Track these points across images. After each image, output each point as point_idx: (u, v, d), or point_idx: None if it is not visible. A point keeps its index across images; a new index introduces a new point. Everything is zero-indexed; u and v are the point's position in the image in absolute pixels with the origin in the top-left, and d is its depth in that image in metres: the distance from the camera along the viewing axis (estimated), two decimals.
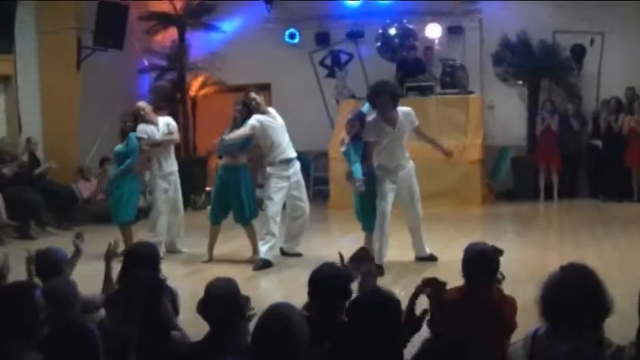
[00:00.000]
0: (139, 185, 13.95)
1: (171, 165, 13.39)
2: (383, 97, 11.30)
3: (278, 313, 4.38)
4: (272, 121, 12.30)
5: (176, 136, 13.63)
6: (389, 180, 11.48)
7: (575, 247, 12.63)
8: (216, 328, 4.94)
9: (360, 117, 11.55)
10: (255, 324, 4.44)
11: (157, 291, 5.38)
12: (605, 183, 18.24)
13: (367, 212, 11.63)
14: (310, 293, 5.11)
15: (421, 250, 12.09)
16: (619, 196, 17.90)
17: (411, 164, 11.72)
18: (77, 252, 7.29)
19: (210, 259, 12.61)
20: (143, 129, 13.05)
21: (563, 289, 4.43)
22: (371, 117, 11.48)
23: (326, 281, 5.10)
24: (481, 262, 5.73)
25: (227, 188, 12.47)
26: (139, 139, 12.99)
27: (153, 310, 5.14)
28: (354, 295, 5.03)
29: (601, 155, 18.31)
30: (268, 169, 12.40)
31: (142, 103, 13.59)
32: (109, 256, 7.01)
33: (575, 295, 4.38)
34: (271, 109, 12.52)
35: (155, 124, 13.24)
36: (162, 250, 12.24)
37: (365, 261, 5.64)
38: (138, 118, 13.23)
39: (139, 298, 5.17)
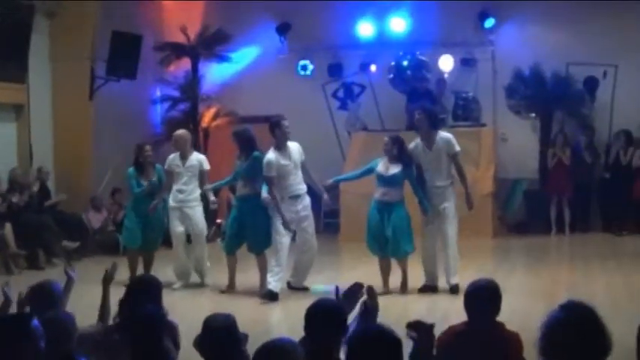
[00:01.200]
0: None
1: None
2: (421, 119, 12.15)
3: (276, 348, 4.32)
4: (285, 159, 12.23)
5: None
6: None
7: (585, 281, 12.56)
8: None
9: (396, 139, 12.24)
10: (253, 357, 4.38)
11: (158, 326, 5.34)
12: (615, 216, 18.12)
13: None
14: (306, 328, 5.05)
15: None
16: (630, 229, 17.76)
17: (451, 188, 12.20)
18: (70, 281, 7.23)
19: (231, 288, 12.78)
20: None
21: (562, 329, 4.36)
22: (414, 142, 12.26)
23: (321, 316, 5.02)
24: (483, 298, 5.69)
25: (243, 218, 12.53)
26: None
27: (152, 346, 5.09)
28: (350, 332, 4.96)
29: (610, 187, 18.21)
30: None
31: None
32: (107, 280, 6.99)
33: (574, 335, 4.31)
34: (291, 144, 12.43)
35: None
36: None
37: (359, 296, 5.56)
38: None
39: (138, 333, 5.12)
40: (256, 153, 12.45)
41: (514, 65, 19.27)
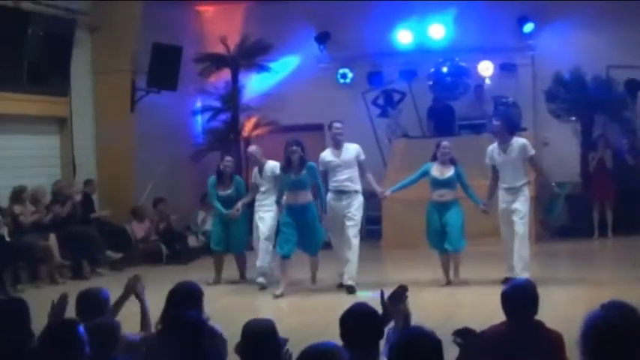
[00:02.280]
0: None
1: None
2: (498, 125, 13.38)
3: (319, 352, 4.32)
4: (334, 157, 13.51)
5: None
6: (502, 200, 13.18)
7: (630, 285, 12.44)
8: None
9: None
10: None
11: (200, 332, 5.38)
12: None
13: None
14: (342, 334, 5.07)
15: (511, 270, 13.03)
16: None
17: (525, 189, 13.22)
18: (126, 293, 7.22)
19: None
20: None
21: (602, 328, 4.35)
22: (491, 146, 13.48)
23: (356, 321, 5.05)
24: (520, 297, 5.74)
25: (296, 223, 13.13)
26: None
27: (192, 352, 5.14)
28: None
29: None
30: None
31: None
32: (128, 291, 7.04)
33: (615, 334, 4.31)
34: (350, 145, 13.66)
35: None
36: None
37: (404, 298, 5.59)
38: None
39: (178, 339, 5.15)
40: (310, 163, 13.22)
41: (554, 69, 19.20)
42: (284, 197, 13.32)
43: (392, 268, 15.73)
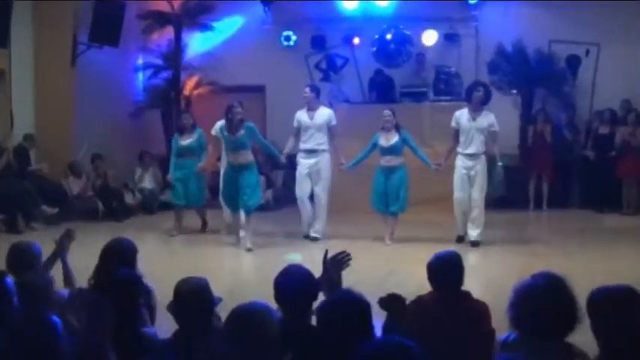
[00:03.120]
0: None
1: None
2: (474, 92, 14.00)
3: (248, 312, 4.30)
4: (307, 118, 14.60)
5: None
6: (461, 166, 13.86)
7: (564, 256, 12.62)
8: (184, 326, 4.91)
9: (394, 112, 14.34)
10: (225, 322, 4.39)
11: (130, 288, 5.37)
12: (596, 193, 18.21)
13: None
14: (275, 296, 5.08)
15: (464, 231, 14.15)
16: (610, 207, 17.86)
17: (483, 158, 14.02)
18: (59, 249, 7.15)
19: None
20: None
21: (531, 296, 4.41)
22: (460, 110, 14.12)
23: (289, 283, 5.07)
24: (445, 269, 5.84)
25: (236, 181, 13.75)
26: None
27: (125, 308, 5.13)
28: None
29: (592, 166, 18.29)
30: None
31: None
32: (60, 249, 6.98)
33: (543, 304, 4.36)
34: (323, 109, 14.85)
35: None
36: None
37: (344, 266, 5.59)
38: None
39: (110, 295, 5.13)
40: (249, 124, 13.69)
41: (497, 41, 19.26)
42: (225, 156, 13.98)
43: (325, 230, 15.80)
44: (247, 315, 4.25)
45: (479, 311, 5.74)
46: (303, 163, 14.52)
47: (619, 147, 17.85)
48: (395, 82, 19.53)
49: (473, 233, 13.94)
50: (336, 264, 5.54)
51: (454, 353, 5.21)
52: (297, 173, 14.64)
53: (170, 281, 5.25)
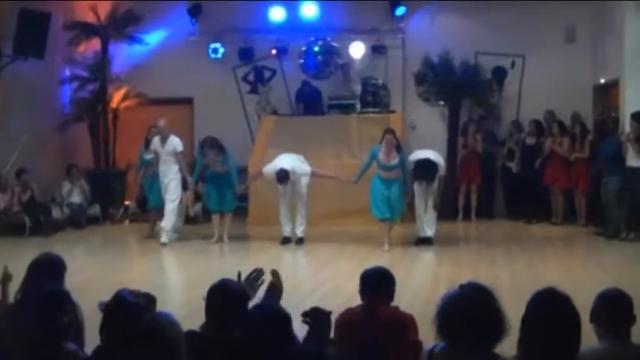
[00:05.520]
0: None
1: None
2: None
3: (152, 324, 4.31)
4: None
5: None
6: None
7: (489, 266, 12.77)
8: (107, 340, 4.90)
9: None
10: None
11: (56, 303, 5.32)
12: (523, 203, 18.43)
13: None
14: (207, 309, 5.10)
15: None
16: (538, 216, 18.08)
17: None
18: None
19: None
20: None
21: (457, 306, 4.44)
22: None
23: (218, 297, 5.10)
24: (376, 283, 5.99)
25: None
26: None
27: (47, 323, 5.08)
28: None
29: (519, 177, 18.51)
30: None
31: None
32: (4, 280, 6.87)
33: (470, 313, 4.39)
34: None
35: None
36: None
37: (259, 282, 5.67)
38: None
39: (35, 310, 5.08)
40: None
41: (424, 53, 19.36)
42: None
43: (256, 245, 15.78)
44: (155, 326, 4.26)
45: (405, 323, 5.81)
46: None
47: (545, 156, 18.02)
48: (322, 93, 19.59)
49: (429, 232, 15.38)
50: (250, 283, 5.61)
51: None
52: None
53: (99, 296, 5.22)
